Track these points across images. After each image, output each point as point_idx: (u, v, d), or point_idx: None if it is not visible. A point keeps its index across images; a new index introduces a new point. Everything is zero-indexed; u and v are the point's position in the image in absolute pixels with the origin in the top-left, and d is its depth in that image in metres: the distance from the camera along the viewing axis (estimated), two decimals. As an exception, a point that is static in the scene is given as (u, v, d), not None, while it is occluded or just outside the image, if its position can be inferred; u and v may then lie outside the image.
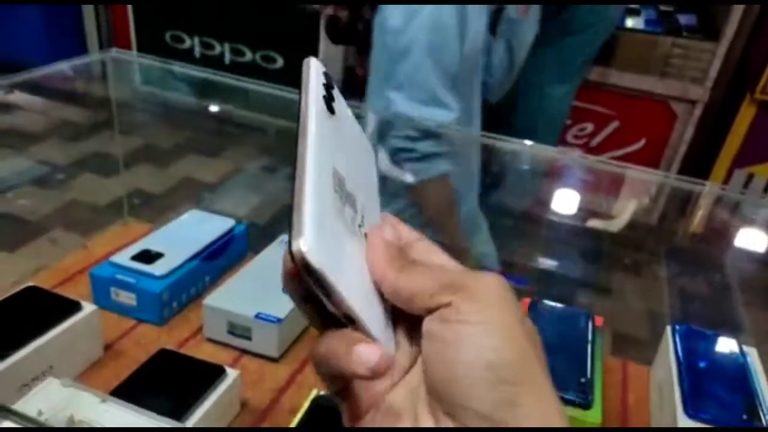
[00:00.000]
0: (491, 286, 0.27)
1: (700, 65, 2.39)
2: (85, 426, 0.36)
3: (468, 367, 0.25)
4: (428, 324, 0.27)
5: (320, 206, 0.26)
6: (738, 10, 2.25)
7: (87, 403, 0.39)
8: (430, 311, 0.27)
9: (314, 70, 0.33)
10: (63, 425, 0.36)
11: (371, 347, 0.26)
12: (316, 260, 0.24)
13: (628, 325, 1.81)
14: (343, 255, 0.27)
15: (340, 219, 0.28)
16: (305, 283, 0.25)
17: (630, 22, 2.41)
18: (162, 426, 0.40)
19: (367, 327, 0.27)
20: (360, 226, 0.30)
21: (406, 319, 0.29)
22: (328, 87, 0.34)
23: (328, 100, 0.33)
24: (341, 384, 0.29)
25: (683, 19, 2.47)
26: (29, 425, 0.33)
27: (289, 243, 0.24)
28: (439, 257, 0.31)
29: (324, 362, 0.28)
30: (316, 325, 0.29)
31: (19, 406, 0.39)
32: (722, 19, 2.31)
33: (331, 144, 0.31)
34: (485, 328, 0.26)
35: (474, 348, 0.25)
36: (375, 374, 0.26)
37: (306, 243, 0.24)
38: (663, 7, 2.54)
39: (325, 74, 0.34)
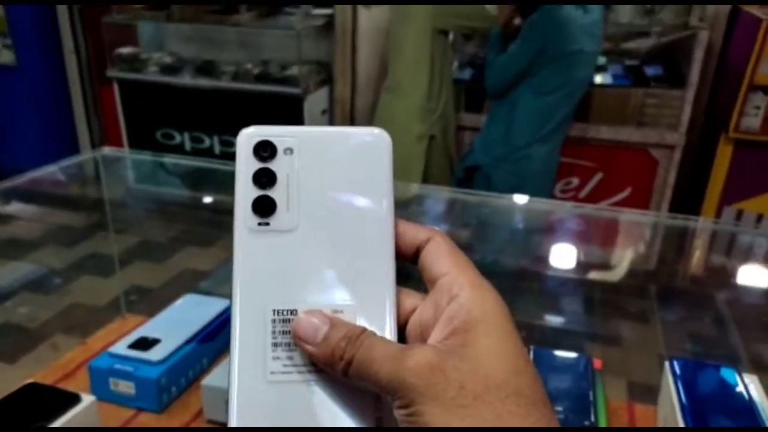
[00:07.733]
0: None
1: (673, 112, 2.48)
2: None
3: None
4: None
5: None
6: (699, 58, 2.35)
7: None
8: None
9: (243, 158, 0.28)
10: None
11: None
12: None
13: (638, 371, 1.78)
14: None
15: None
16: None
17: (598, 78, 2.51)
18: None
19: None
20: None
21: None
22: (263, 173, 0.27)
23: (262, 199, 0.27)
24: None
25: (649, 70, 2.58)
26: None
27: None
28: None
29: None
30: None
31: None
32: (686, 67, 2.41)
33: (269, 270, 0.27)
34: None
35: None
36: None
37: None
38: (628, 62, 2.66)
39: (261, 146, 0.28)
